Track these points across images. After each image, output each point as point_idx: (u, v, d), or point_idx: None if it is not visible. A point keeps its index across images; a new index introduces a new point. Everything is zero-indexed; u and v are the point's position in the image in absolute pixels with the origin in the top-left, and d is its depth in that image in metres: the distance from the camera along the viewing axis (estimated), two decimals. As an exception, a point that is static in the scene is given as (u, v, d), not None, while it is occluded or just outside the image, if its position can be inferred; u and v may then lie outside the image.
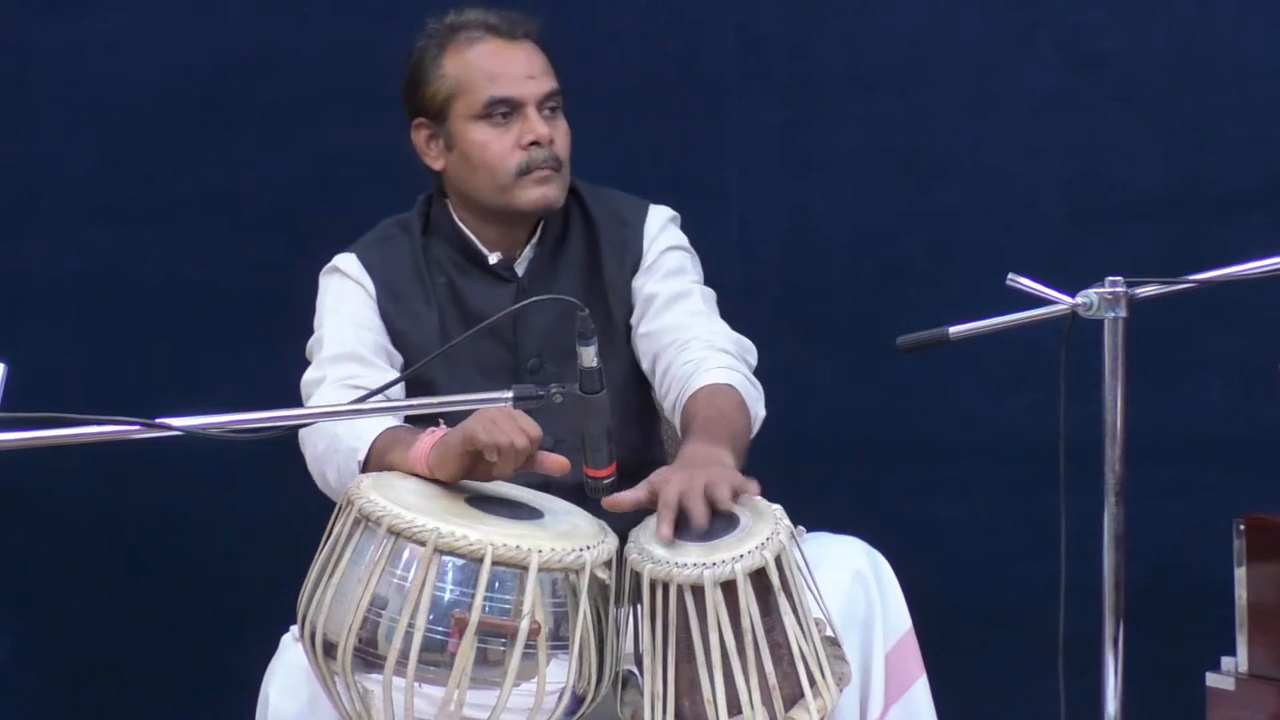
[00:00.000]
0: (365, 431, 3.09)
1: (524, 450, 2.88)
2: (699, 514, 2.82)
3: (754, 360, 3.33)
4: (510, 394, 2.81)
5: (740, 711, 2.75)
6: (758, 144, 4.64)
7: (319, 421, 3.07)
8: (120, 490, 4.54)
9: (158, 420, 2.58)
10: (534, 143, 3.29)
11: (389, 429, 3.09)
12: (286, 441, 2.78)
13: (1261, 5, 4.50)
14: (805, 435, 3.69)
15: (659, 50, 4.62)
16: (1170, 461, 4.39)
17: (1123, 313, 3.16)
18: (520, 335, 3.33)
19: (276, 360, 3.79)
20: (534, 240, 3.37)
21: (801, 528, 2.99)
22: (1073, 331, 3.18)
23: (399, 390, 3.22)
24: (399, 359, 3.32)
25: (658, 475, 2.91)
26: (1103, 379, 3.20)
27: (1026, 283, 3.21)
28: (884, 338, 3.40)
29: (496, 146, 3.29)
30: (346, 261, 3.39)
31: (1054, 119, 4.57)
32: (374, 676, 2.76)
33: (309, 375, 3.32)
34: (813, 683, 2.79)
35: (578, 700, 2.82)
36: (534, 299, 3.13)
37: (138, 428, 2.57)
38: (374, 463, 3.06)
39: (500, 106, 3.29)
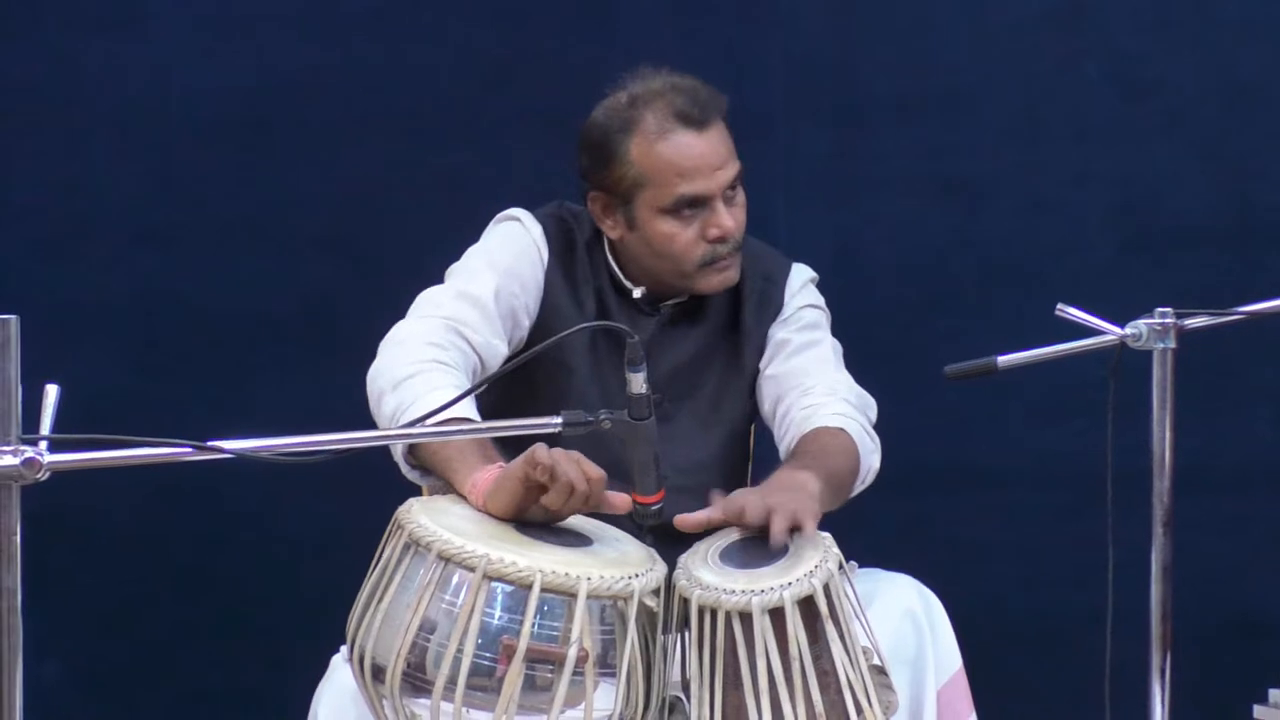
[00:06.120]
0: (436, 400, 2.94)
1: (581, 490, 2.87)
2: (752, 521, 2.87)
3: (874, 415, 3.35)
4: (560, 420, 2.81)
5: (787, 739, 2.76)
6: (804, 172, 4.64)
7: (361, 446, 3.00)
8: (169, 512, 4.55)
9: (209, 443, 2.58)
10: (719, 237, 3.29)
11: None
12: (336, 464, 2.78)
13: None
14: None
15: (704, 78, 4.61)
16: (1218, 492, 4.37)
17: (1171, 344, 3.16)
18: (651, 370, 3.31)
19: (325, 382, 3.80)
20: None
21: (854, 563, 2.98)
22: (1121, 361, 3.18)
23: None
24: (524, 331, 3.29)
25: (735, 494, 2.96)
26: (1151, 409, 3.19)
27: (1076, 313, 3.21)
28: (931, 365, 3.41)
29: (682, 240, 3.27)
30: (527, 218, 3.36)
31: (1101, 147, 4.57)
32: (422, 701, 2.76)
33: (431, 291, 3.27)
34: (859, 711, 2.79)
35: (624, 727, 2.82)
36: (583, 326, 3.15)
37: (189, 450, 2.57)
38: (422, 453, 3.03)
39: (689, 203, 3.27)
